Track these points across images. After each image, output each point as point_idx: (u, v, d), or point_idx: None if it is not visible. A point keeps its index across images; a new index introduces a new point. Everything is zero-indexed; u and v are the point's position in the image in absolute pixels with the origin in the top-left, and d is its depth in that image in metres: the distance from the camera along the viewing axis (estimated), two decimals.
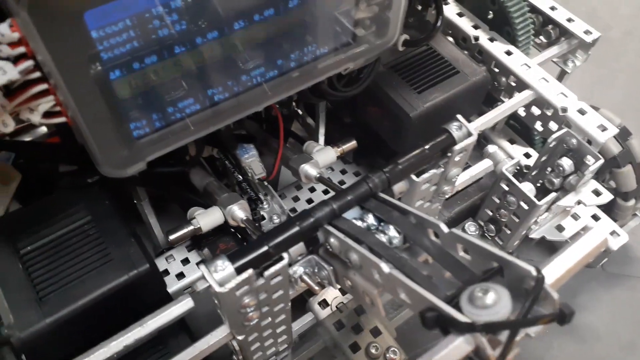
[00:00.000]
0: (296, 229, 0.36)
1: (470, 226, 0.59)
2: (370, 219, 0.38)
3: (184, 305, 0.41)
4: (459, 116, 0.41)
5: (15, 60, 0.31)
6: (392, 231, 0.36)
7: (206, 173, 0.54)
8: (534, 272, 0.26)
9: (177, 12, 0.33)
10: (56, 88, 0.32)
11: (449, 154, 0.41)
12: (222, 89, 0.39)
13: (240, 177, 0.55)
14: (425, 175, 0.41)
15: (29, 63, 0.31)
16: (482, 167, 0.52)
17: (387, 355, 0.49)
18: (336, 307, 0.52)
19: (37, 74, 0.32)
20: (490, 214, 0.57)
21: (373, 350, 0.49)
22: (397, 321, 0.57)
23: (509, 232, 0.56)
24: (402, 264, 0.32)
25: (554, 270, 0.28)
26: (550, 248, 0.68)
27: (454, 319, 0.26)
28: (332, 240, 0.37)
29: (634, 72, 0.90)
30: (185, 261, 0.54)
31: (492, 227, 0.58)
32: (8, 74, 0.31)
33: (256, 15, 0.36)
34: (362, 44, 0.45)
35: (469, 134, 0.40)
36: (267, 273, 0.35)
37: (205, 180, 0.52)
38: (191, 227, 0.48)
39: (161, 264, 0.52)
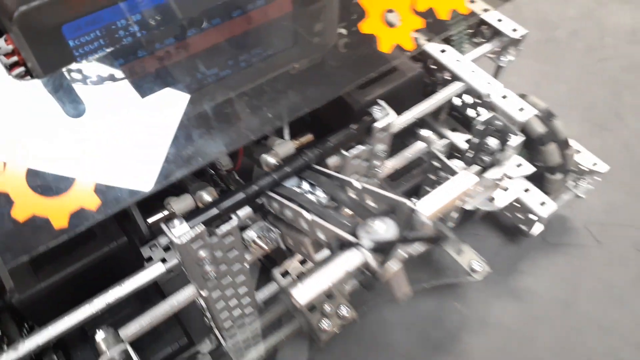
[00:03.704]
0: (241, 195, 0.44)
1: None
2: (305, 186, 0.45)
3: (156, 269, 0.48)
4: (380, 100, 0.49)
5: (10, 67, 0.40)
6: (320, 192, 0.44)
7: None
8: (408, 204, 0.34)
9: (138, 24, 0.42)
10: None
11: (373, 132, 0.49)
12: (181, 86, 0.47)
13: (213, 171, 0.63)
14: (354, 150, 0.49)
15: (21, 69, 0.40)
16: (416, 148, 0.60)
17: (339, 312, 0.56)
18: (296, 275, 0.59)
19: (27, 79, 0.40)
20: (429, 190, 0.64)
21: (327, 309, 0.56)
22: (351, 287, 0.64)
23: None
24: (324, 214, 0.40)
25: (429, 204, 0.36)
26: (495, 224, 0.75)
27: (347, 239, 0.33)
28: (273, 204, 0.45)
29: (578, 68, 0.98)
30: (167, 249, 0.61)
31: None
32: None
33: (205, 24, 0.45)
34: (305, 46, 0.53)
35: (387, 114, 0.48)
36: (218, 231, 0.43)
37: None
38: (166, 212, 0.56)
39: (146, 252, 0.59)
